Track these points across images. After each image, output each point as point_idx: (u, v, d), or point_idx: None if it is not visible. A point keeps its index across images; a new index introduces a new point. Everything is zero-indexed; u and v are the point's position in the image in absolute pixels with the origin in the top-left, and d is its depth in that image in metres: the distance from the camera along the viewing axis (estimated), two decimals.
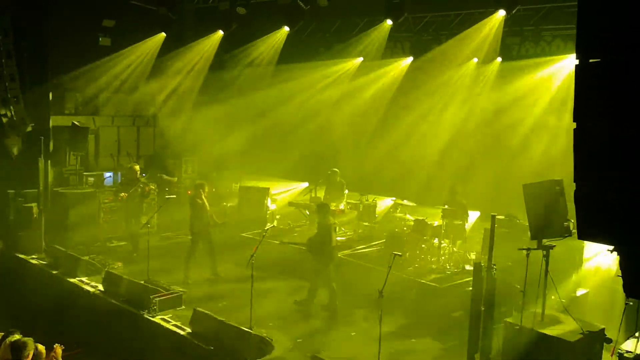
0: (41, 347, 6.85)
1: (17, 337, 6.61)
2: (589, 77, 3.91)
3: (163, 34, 15.84)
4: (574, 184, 4.09)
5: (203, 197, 11.73)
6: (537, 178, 7.79)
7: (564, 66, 12.28)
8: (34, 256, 12.49)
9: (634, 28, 3.60)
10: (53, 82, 13.99)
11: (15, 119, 13.19)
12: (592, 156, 3.98)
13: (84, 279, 11.24)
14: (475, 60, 13.62)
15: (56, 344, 6.97)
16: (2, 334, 7.08)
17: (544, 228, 7.20)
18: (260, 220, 14.04)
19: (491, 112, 13.14)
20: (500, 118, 12.90)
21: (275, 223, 13.90)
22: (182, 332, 9.05)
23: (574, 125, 4.00)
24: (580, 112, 3.96)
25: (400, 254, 8.18)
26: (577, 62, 3.96)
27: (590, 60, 3.87)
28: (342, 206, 13.98)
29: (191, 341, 8.78)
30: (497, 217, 8.04)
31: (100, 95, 15.79)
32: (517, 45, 13.21)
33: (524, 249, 7.19)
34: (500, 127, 12.89)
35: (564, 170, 7.22)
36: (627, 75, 3.67)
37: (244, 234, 13.35)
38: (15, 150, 13.41)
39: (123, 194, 12.69)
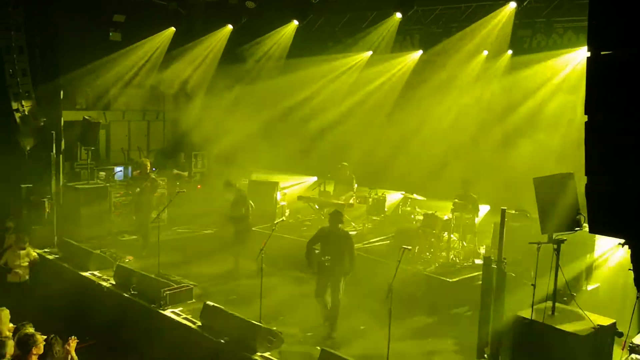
0: (56, 339, 6.92)
1: (29, 330, 6.67)
2: (600, 69, 3.88)
3: (173, 29, 15.90)
4: (585, 177, 4.07)
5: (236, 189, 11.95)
6: (547, 171, 7.74)
7: (575, 59, 12.17)
8: (46, 249, 12.60)
9: None
10: (64, 77, 14.05)
11: (27, 114, 13.30)
12: (603, 149, 3.95)
13: (95, 272, 11.32)
14: (486, 53, 13.54)
15: (72, 337, 7.04)
16: (15, 326, 7.17)
17: (555, 222, 7.16)
18: (269, 215, 14.07)
19: (501, 105, 13.06)
20: (510, 111, 12.83)
21: (284, 217, 13.93)
22: (192, 326, 9.11)
23: (585, 118, 3.97)
24: (591, 105, 3.94)
25: (409, 247, 8.19)
26: (588, 54, 3.93)
27: (602, 53, 3.84)
28: (351, 200, 14.00)
29: (201, 334, 8.83)
30: (507, 211, 8.00)
31: (110, 90, 15.88)
32: (529, 37, 13.10)
33: (534, 243, 7.15)
34: (510, 121, 12.81)
35: (575, 164, 7.20)
36: (639, 68, 3.65)
37: (253, 228, 13.37)
38: (27, 146, 13.52)
39: (138, 189, 12.81)
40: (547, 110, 12.28)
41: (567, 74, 12.29)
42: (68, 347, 6.89)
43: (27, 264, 10.96)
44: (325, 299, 9.14)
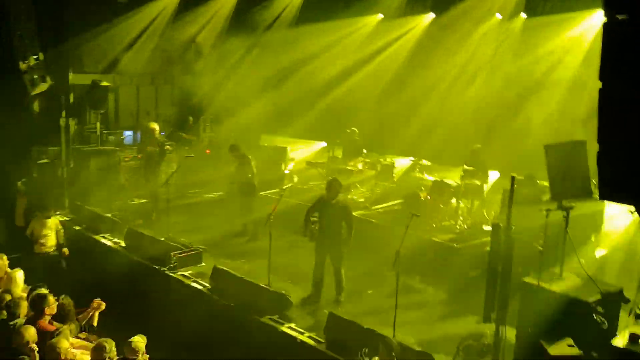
0: (69, 300, 7.05)
1: (42, 291, 6.78)
2: (617, 35, 3.80)
3: None
4: (597, 144, 4.02)
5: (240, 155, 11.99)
6: (558, 138, 7.67)
7: (590, 22, 11.90)
8: (58, 212, 12.71)
9: None
10: (72, 40, 13.95)
11: (36, 77, 13.26)
12: (617, 116, 3.90)
13: (106, 235, 11.46)
14: (499, 16, 13.27)
15: (98, 300, 7.13)
16: (30, 287, 7.29)
17: (565, 189, 7.12)
18: (278, 180, 14.09)
19: (514, 70, 12.86)
20: (523, 77, 12.64)
21: (293, 182, 13.94)
22: (201, 288, 9.24)
23: (599, 84, 3.91)
24: (606, 71, 3.87)
25: (418, 214, 8.18)
26: (605, 19, 3.84)
27: (618, 17, 3.75)
28: (360, 165, 13.98)
29: (211, 297, 8.97)
30: (516, 177, 7.95)
31: (118, 53, 15.76)
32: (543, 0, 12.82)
33: (543, 209, 7.13)
34: (522, 86, 12.64)
35: (587, 131, 7.12)
36: None
37: (262, 193, 13.41)
38: (36, 107, 13.53)
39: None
40: (560, 75, 12.08)
41: (582, 39, 12.04)
42: (92, 311, 6.96)
43: (53, 234, 10.35)
44: (322, 269, 9.09)
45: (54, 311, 6.74)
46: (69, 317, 6.86)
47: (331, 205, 8.97)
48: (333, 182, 9.11)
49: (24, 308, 6.61)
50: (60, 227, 10.56)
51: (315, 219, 9.13)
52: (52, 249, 10.30)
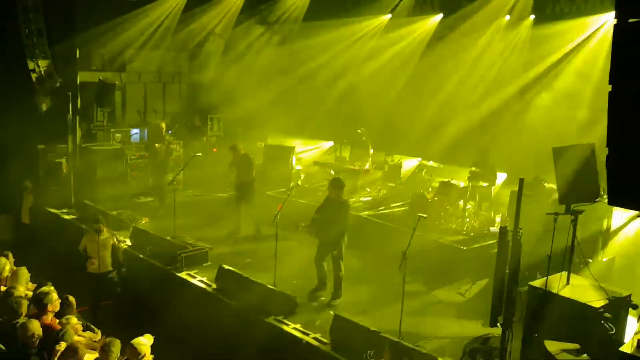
0: (71, 298, 7.05)
1: (45, 288, 6.77)
2: (627, 37, 3.75)
3: None
4: (607, 148, 3.97)
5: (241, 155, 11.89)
6: (567, 141, 7.59)
7: (599, 25, 11.81)
8: (64, 210, 12.77)
9: None
10: (80, 37, 13.98)
11: (43, 74, 13.31)
12: (626, 120, 3.85)
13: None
14: (508, 17, 13.19)
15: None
16: (36, 285, 7.30)
17: (573, 192, 7.07)
18: (285, 179, 14.08)
19: (522, 72, 12.78)
20: (530, 79, 12.56)
21: (300, 182, 13.93)
22: (207, 288, 9.23)
23: (609, 88, 3.86)
24: (616, 75, 3.82)
25: (425, 215, 8.14)
26: (615, 21, 3.79)
27: (630, 20, 3.70)
28: (367, 166, 13.94)
29: (217, 297, 8.95)
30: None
31: (126, 51, 15.81)
32: (552, 2, 12.73)
33: (552, 214, 7.07)
34: (531, 88, 12.57)
35: (595, 134, 7.05)
36: None
37: (269, 193, 13.41)
38: (44, 106, 13.57)
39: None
40: (569, 78, 11.99)
41: (590, 41, 11.95)
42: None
43: (107, 253, 9.08)
44: (324, 266, 9.12)
45: (57, 308, 6.74)
46: (69, 311, 6.85)
47: (332, 202, 9.02)
48: (334, 181, 9.19)
49: (24, 306, 6.61)
50: (116, 244, 9.38)
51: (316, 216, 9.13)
52: (104, 270, 9.08)
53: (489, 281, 7.35)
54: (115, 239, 9.37)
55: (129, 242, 10.97)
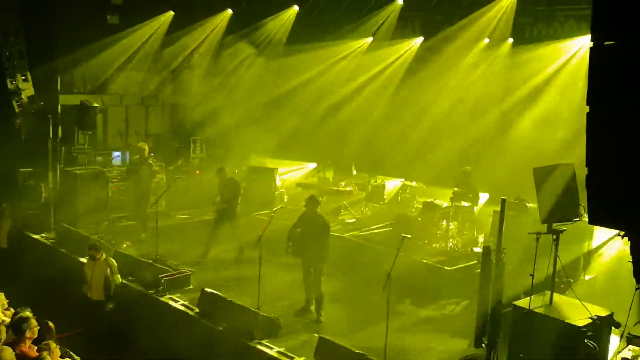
0: (51, 324, 6.91)
1: (24, 314, 6.64)
2: (603, 59, 3.82)
3: (171, 12, 15.72)
4: (586, 168, 4.02)
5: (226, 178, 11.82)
6: (547, 162, 7.69)
7: (576, 48, 12.07)
8: (43, 234, 12.56)
9: None
10: (61, 61, 13.90)
11: (24, 97, 13.19)
12: (604, 140, 3.90)
13: None
14: (487, 40, 13.42)
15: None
16: (14, 311, 7.15)
17: (554, 212, 7.13)
18: (268, 201, 14.03)
19: (502, 94, 12.99)
20: (510, 100, 12.76)
21: (283, 203, 13.88)
22: (190, 312, 9.10)
23: (587, 109, 3.92)
24: (593, 96, 3.87)
25: (409, 236, 8.15)
26: (591, 44, 3.86)
27: (606, 43, 3.78)
28: (350, 187, 13.97)
29: (199, 321, 8.83)
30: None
31: (108, 74, 15.74)
32: (530, 25, 13.00)
33: (534, 233, 7.12)
34: (511, 110, 12.75)
35: (576, 154, 7.15)
36: None
37: (253, 214, 13.34)
38: (24, 130, 13.42)
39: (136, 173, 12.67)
40: (548, 99, 12.20)
41: (568, 64, 12.20)
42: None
43: (100, 279, 8.89)
44: (310, 282, 9.27)
45: (35, 334, 6.59)
46: (49, 337, 6.71)
47: (311, 221, 9.23)
48: (310, 198, 9.48)
49: (2, 332, 6.46)
50: (110, 276, 9.01)
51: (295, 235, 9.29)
52: (96, 298, 8.95)
53: (474, 300, 7.34)
54: (109, 270, 9.04)
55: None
